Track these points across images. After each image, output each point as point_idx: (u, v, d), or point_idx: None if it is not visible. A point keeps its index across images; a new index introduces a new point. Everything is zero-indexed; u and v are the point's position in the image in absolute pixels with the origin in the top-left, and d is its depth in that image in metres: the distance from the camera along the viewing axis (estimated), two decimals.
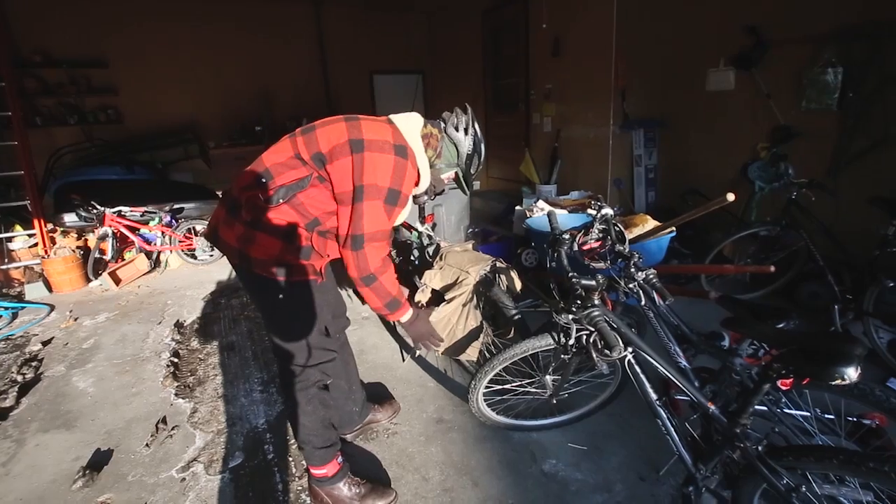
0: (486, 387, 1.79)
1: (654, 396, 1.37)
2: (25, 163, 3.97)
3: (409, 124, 1.46)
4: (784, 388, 1.07)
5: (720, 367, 1.46)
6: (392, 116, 1.48)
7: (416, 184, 1.48)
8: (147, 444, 1.96)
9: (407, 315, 1.54)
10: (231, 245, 1.41)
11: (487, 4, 5.57)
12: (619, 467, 1.74)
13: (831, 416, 1.40)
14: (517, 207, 3.93)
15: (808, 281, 2.83)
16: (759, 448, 1.13)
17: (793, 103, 3.15)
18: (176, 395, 2.31)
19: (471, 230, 3.39)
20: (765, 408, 1.37)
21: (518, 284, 2.12)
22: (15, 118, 3.95)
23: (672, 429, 1.35)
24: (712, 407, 1.25)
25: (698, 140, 3.90)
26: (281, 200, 1.35)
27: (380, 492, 1.62)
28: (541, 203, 3.52)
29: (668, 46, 3.91)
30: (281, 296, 1.43)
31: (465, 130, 1.54)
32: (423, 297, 2.06)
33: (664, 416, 1.36)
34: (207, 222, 1.46)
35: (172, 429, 2.06)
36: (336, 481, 1.60)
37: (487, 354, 2.02)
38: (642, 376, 1.38)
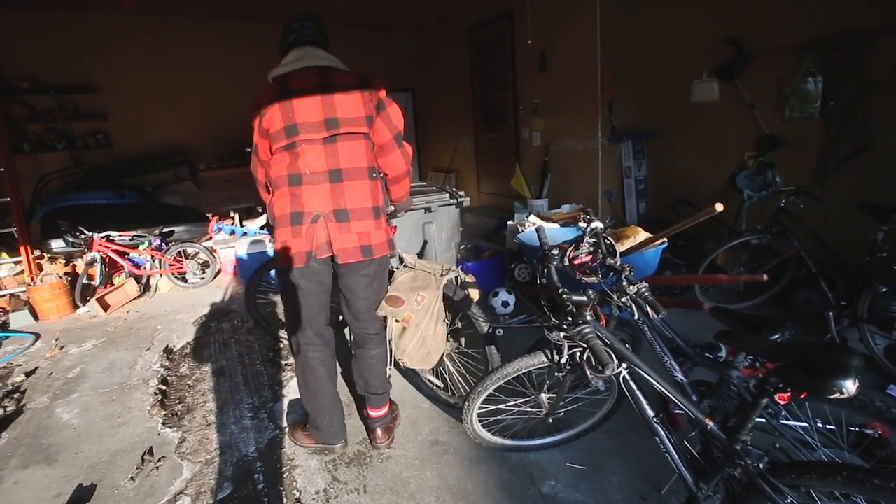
0: (481, 407, 1.75)
1: (650, 413, 1.34)
2: (12, 189, 3.93)
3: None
4: (782, 402, 1.04)
5: (717, 380, 1.43)
6: (335, 65, 1.69)
7: None
8: (132, 478, 1.89)
9: None
10: (351, 247, 1.64)
11: (473, 22, 5.66)
12: (619, 486, 1.69)
13: (832, 427, 1.37)
14: (509, 222, 3.93)
15: (801, 288, 2.82)
16: (761, 465, 1.10)
17: (776, 112, 3.19)
18: (163, 424, 2.24)
19: (463, 246, 3.38)
20: (763, 420, 1.34)
21: (476, 296, 2.08)
22: (2, 145, 3.93)
23: (671, 446, 1.32)
24: (710, 423, 1.22)
25: (686, 150, 3.93)
26: (374, 176, 1.69)
27: None
28: (532, 217, 3.52)
29: (652, 59, 3.97)
30: (383, 267, 1.81)
31: None
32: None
33: (662, 433, 1.33)
34: (302, 247, 1.65)
35: (159, 460, 1.99)
36: (393, 418, 2.03)
37: (448, 364, 2.13)
38: (638, 393, 1.35)
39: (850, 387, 0.90)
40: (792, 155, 3.12)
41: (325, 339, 1.85)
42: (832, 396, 0.90)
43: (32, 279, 3.82)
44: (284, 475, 1.85)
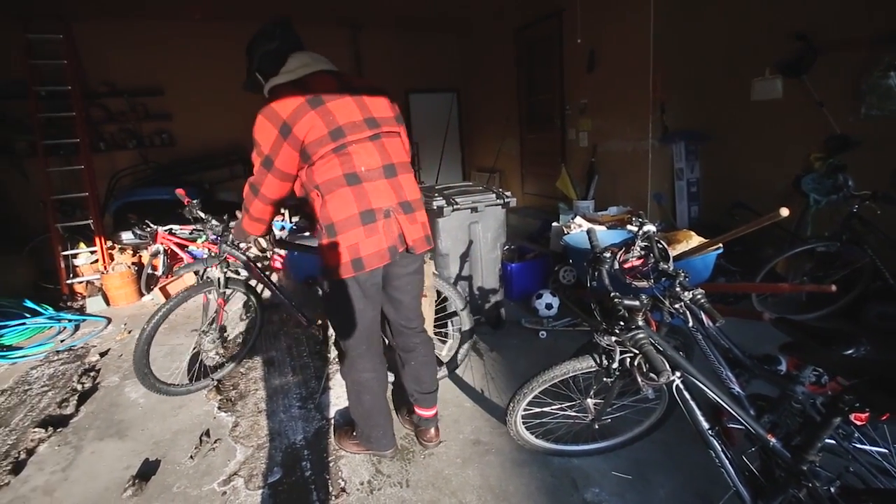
0: (525, 409, 1.74)
1: (705, 425, 1.29)
2: (90, 185, 4.31)
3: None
4: (858, 423, 0.97)
5: (779, 395, 1.35)
6: (337, 68, 1.70)
7: None
8: (191, 456, 2.02)
9: None
10: (419, 237, 1.67)
11: (521, 22, 5.61)
12: (667, 499, 1.64)
13: None
14: (554, 224, 3.87)
15: (875, 301, 2.61)
16: (832, 489, 1.03)
17: (850, 110, 2.97)
18: (219, 408, 2.38)
19: (507, 247, 3.36)
20: (833, 442, 1.26)
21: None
22: (83, 144, 4.31)
23: (727, 461, 1.26)
24: (773, 440, 1.16)
25: (745, 152, 3.73)
26: (414, 170, 1.76)
27: None
28: (578, 219, 3.45)
29: (708, 56, 3.80)
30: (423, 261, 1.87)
31: None
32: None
33: (718, 446, 1.27)
34: (382, 244, 1.57)
35: (215, 442, 2.12)
36: (436, 420, 1.99)
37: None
38: (692, 403, 1.30)
39: None
40: (867, 156, 2.89)
41: (380, 355, 1.82)
42: None
43: (105, 268, 4.16)
44: (330, 464, 1.92)
